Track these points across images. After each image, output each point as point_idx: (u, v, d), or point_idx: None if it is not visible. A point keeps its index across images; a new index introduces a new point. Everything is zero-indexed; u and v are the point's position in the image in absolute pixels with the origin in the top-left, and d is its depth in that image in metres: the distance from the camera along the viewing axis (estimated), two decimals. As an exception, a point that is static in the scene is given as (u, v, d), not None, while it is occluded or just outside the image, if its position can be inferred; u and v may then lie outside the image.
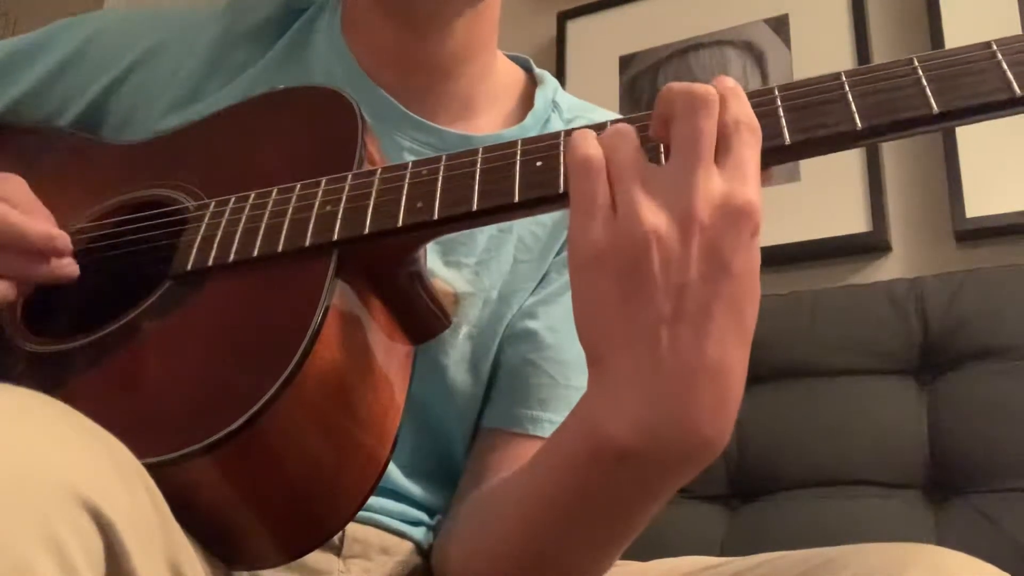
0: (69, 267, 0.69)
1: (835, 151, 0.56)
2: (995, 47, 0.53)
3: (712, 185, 0.51)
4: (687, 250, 0.51)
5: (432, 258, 0.77)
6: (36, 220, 0.69)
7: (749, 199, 0.51)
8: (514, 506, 0.65)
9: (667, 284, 0.51)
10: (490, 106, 0.86)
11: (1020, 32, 1.50)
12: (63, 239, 0.68)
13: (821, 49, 1.69)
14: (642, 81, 1.84)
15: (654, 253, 0.51)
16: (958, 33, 1.55)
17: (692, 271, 0.51)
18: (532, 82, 0.90)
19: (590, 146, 0.54)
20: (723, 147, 0.53)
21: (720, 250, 0.51)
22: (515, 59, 0.92)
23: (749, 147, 0.53)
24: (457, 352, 0.78)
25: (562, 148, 0.59)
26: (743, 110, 0.53)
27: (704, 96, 0.53)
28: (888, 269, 1.54)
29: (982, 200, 1.48)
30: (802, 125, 0.55)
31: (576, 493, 0.58)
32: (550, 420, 0.76)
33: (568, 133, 0.60)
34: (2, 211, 0.67)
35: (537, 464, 0.63)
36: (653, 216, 0.51)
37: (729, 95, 0.54)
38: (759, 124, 0.54)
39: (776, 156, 0.55)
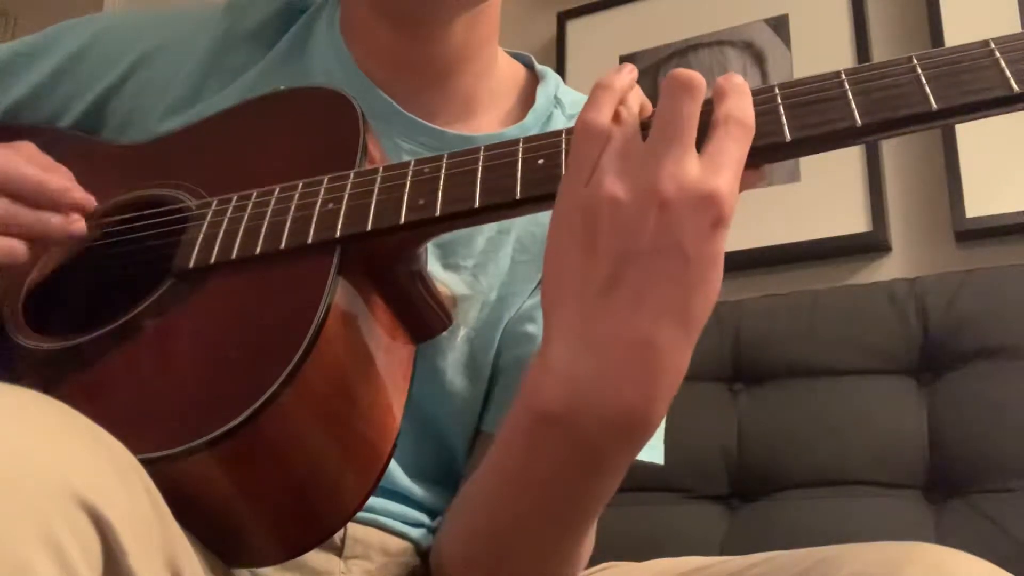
0: (79, 222, 0.70)
1: (835, 148, 0.56)
2: (993, 45, 0.54)
3: (684, 168, 0.53)
4: (642, 222, 0.52)
5: (431, 261, 0.77)
6: (54, 175, 0.70)
7: (717, 188, 0.52)
8: (478, 487, 0.66)
9: (613, 248, 0.53)
10: (491, 105, 0.86)
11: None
12: (80, 191, 0.70)
13: (821, 49, 1.69)
14: (642, 81, 1.82)
15: (608, 216, 0.53)
16: (958, 33, 1.56)
17: (642, 242, 0.52)
18: (534, 79, 0.90)
19: (600, 112, 0.57)
20: (708, 136, 0.54)
21: (677, 230, 0.52)
22: (517, 56, 0.91)
23: (734, 141, 0.54)
24: (456, 354, 0.78)
25: (564, 146, 0.60)
26: (738, 106, 0.55)
27: (685, 80, 0.55)
28: (888, 269, 1.54)
29: (982, 200, 1.48)
30: (802, 122, 0.56)
31: (521, 464, 0.59)
32: None
33: (570, 131, 0.61)
34: (15, 163, 0.68)
35: (495, 442, 0.64)
36: (617, 182, 0.53)
37: (731, 90, 0.55)
38: (755, 122, 0.55)
39: (776, 153, 0.56)
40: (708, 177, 0.52)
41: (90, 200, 0.71)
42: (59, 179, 0.69)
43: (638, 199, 0.52)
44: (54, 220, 0.68)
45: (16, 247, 0.67)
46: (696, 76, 0.55)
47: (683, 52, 1.82)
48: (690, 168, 0.53)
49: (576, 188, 0.55)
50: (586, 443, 0.55)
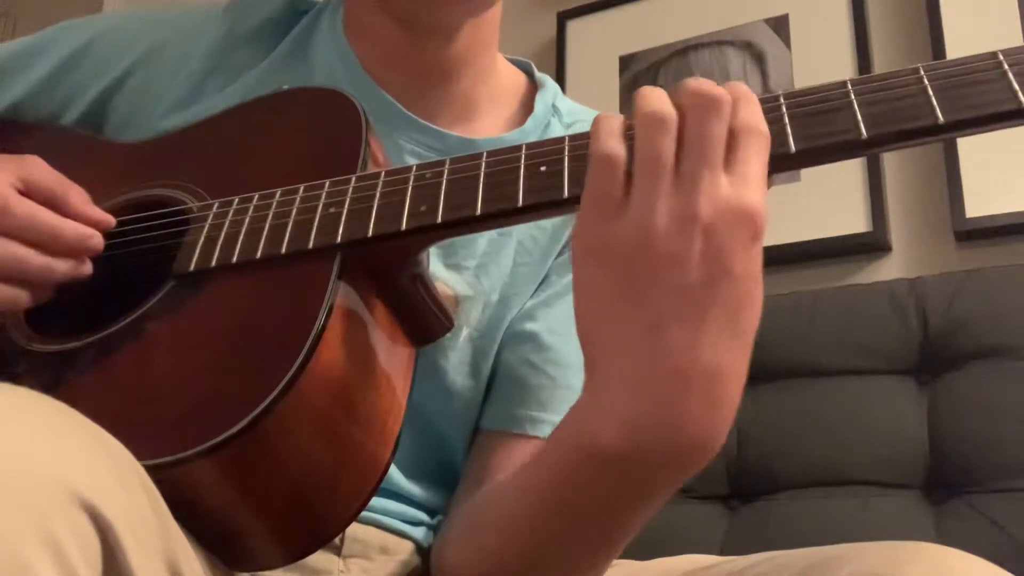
0: (86, 266, 0.68)
1: (840, 160, 0.55)
2: (1001, 57, 0.53)
3: (718, 187, 0.51)
4: (688, 251, 0.51)
5: (433, 261, 0.77)
6: (68, 218, 0.68)
7: (753, 204, 0.51)
8: (508, 506, 0.65)
9: (665, 284, 0.51)
10: (491, 108, 0.86)
11: (1020, 32, 1.50)
12: (96, 237, 0.68)
13: (821, 49, 1.69)
14: (642, 81, 1.84)
15: (655, 251, 0.51)
16: (958, 33, 1.55)
17: (692, 273, 0.51)
18: (533, 86, 0.90)
19: (614, 142, 0.54)
20: (731, 150, 0.53)
21: (721, 253, 0.51)
22: (517, 63, 0.92)
23: (757, 153, 0.53)
24: (457, 355, 0.78)
25: (566, 153, 0.59)
26: (754, 116, 0.54)
27: (711, 97, 0.53)
28: (888, 269, 1.54)
29: (982, 200, 1.48)
30: (807, 133, 0.55)
31: (568, 495, 0.58)
32: (550, 421, 0.76)
33: (572, 138, 0.60)
34: (31, 209, 0.66)
35: (532, 465, 0.63)
36: (653, 214, 0.51)
37: (742, 99, 0.54)
38: (768, 131, 0.54)
39: (781, 164, 0.55)
40: (743, 193, 0.51)
41: (100, 241, 0.69)
42: (74, 227, 0.67)
43: (680, 228, 0.51)
44: (62, 268, 0.67)
45: (19, 296, 0.66)
46: (720, 91, 0.53)
47: (683, 52, 1.82)
48: (724, 187, 0.51)
49: (603, 223, 0.53)
50: (644, 478, 0.55)
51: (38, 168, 0.70)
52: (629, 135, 0.55)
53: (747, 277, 0.52)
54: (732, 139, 0.53)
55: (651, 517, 0.60)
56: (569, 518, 0.60)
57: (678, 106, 0.54)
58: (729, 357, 0.52)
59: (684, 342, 0.51)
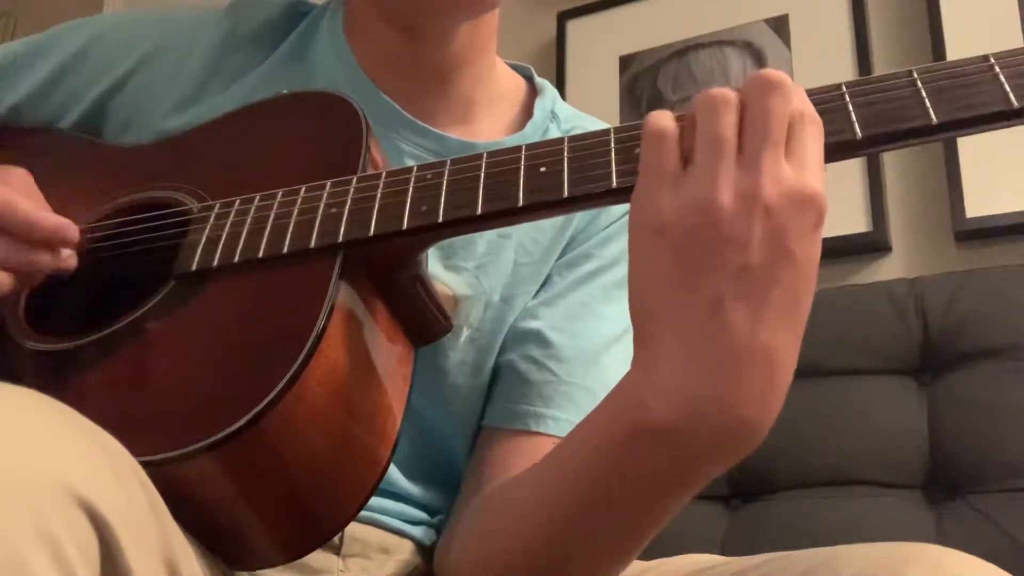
0: (70, 259, 0.68)
1: (834, 160, 0.56)
2: (993, 60, 0.54)
3: (781, 170, 0.52)
4: (749, 231, 0.51)
5: (431, 262, 0.77)
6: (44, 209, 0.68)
7: (816, 188, 0.52)
8: (533, 501, 0.64)
9: (728, 262, 0.51)
10: (490, 111, 0.87)
11: (1020, 31, 1.50)
12: (73, 230, 0.68)
13: (821, 49, 1.69)
14: (642, 81, 1.84)
15: (718, 229, 0.51)
16: (958, 33, 1.56)
17: (754, 254, 0.51)
18: (533, 91, 0.90)
19: (664, 119, 0.55)
20: (788, 137, 0.53)
21: (785, 235, 0.51)
22: (517, 68, 0.92)
23: (813, 139, 0.53)
24: (458, 355, 0.78)
25: (566, 154, 0.60)
26: (805, 103, 0.54)
27: (776, 80, 0.53)
28: (888, 269, 1.54)
29: (982, 200, 1.48)
30: None
31: (608, 479, 0.57)
32: (553, 416, 0.76)
33: (572, 139, 0.61)
34: (10, 197, 0.67)
35: (561, 455, 0.63)
36: (723, 193, 0.51)
37: (794, 88, 0.54)
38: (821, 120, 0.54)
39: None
40: (805, 178, 0.52)
41: (75, 232, 0.69)
42: (53, 216, 0.68)
43: (743, 207, 0.51)
44: (44, 258, 0.67)
45: (7, 281, 0.66)
46: (784, 76, 0.54)
47: (683, 52, 1.82)
48: (787, 170, 0.52)
49: (663, 197, 0.53)
50: (691, 457, 0.54)
51: (17, 176, 0.71)
52: (682, 123, 0.55)
53: (809, 263, 0.52)
54: (789, 126, 0.53)
55: (678, 510, 0.59)
56: (604, 508, 0.59)
57: (739, 93, 0.54)
58: (785, 341, 0.52)
59: (744, 322, 0.51)
